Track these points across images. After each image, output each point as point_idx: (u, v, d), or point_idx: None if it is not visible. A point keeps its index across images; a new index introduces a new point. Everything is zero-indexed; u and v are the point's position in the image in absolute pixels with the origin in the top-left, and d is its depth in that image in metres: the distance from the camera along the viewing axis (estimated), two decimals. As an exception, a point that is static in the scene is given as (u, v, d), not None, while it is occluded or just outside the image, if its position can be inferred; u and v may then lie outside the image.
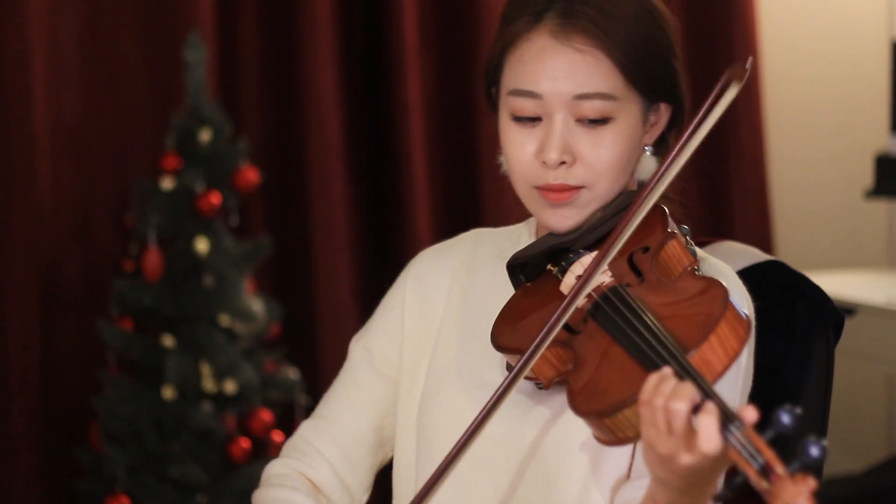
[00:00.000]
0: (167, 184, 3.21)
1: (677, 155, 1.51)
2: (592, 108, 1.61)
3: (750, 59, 1.56)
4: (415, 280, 1.80)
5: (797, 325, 1.83)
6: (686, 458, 1.34)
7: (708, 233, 3.92)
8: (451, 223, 3.71)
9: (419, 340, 1.77)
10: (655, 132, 1.69)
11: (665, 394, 1.34)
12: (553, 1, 1.62)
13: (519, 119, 1.64)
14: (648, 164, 1.70)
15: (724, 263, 1.69)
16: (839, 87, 4.25)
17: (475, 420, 1.50)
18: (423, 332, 1.77)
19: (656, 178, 1.51)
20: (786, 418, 1.24)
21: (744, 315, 1.43)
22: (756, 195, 4.06)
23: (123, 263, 3.24)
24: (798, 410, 1.25)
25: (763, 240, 4.03)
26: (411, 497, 1.68)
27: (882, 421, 4.21)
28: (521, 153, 1.64)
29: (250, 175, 3.27)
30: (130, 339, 3.20)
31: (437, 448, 1.66)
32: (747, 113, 4.04)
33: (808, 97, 4.25)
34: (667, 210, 1.63)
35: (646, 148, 1.69)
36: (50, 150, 3.45)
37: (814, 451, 1.22)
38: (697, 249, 1.66)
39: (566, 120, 1.61)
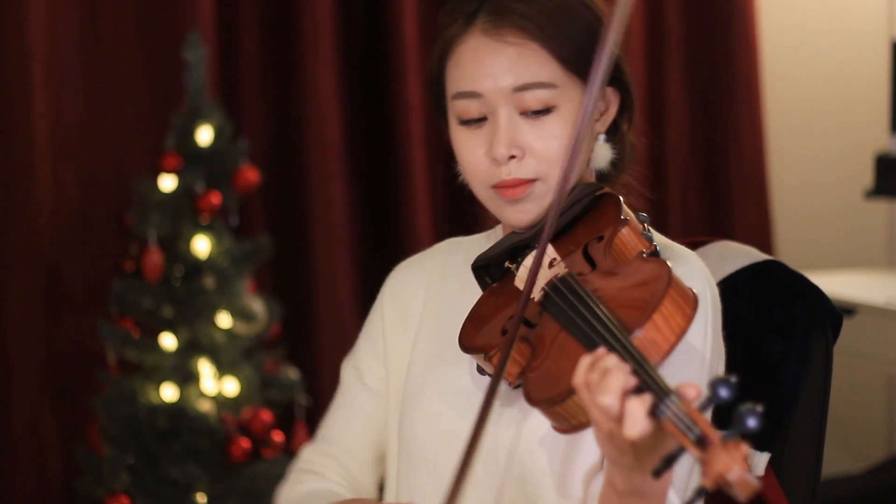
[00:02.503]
0: (167, 184, 3.21)
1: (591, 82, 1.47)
2: (534, 99, 1.61)
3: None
4: (391, 294, 1.82)
5: (796, 325, 1.83)
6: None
7: (708, 233, 3.93)
8: (451, 223, 3.70)
9: (399, 352, 1.79)
10: (607, 119, 1.69)
11: (598, 372, 1.34)
12: (483, 1, 1.64)
13: (466, 122, 1.65)
14: (603, 151, 1.70)
15: (687, 249, 1.69)
16: (839, 87, 4.25)
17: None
18: (403, 344, 1.79)
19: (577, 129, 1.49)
20: (723, 391, 1.24)
21: (690, 292, 1.42)
22: (756, 195, 4.06)
23: (123, 263, 3.24)
24: (733, 379, 1.25)
25: (763, 240, 4.03)
26: None
27: (882, 421, 4.21)
28: (473, 155, 1.66)
29: (250, 175, 3.27)
30: (130, 339, 3.20)
31: (417, 456, 1.67)
32: (747, 113, 4.04)
33: (808, 97, 4.25)
34: (621, 198, 1.62)
35: (599, 136, 1.69)
36: (50, 150, 3.46)
37: (750, 420, 1.22)
38: (659, 236, 1.66)
39: (510, 114, 1.62)
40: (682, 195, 3.98)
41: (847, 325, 1.89)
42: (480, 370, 1.62)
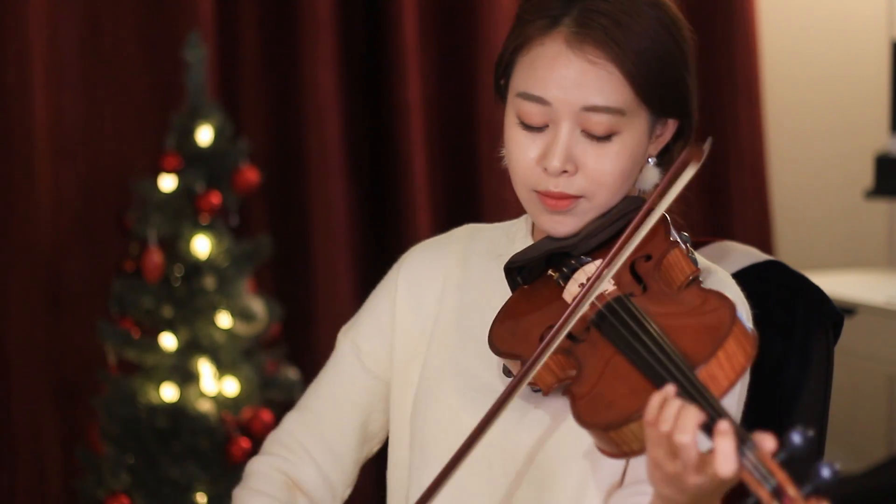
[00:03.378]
0: (167, 184, 3.21)
1: (636, 226, 1.50)
2: (599, 123, 1.59)
3: (709, 140, 1.56)
4: (407, 277, 1.79)
5: (797, 325, 1.83)
6: (694, 479, 1.33)
7: (708, 233, 3.92)
8: (451, 222, 3.70)
9: (412, 339, 1.76)
10: (660, 143, 1.68)
11: (669, 419, 1.32)
12: (570, 7, 1.60)
13: (526, 126, 1.62)
14: (651, 174, 1.68)
15: (724, 272, 1.68)
16: (839, 87, 4.25)
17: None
18: (416, 331, 1.76)
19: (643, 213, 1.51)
20: (797, 439, 1.24)
21: (750, 331, 1.41)
22: (756, 195, 4.06)
23: (124, 263, 3.24)
24: (810, 432, 1.24)
25: (763, 240, 4.03)
26: (405, 498, 1.68)
27: (882, 421, 4.21)
28: (524, 157, 1.63)
29: (250, 175, 3.27)
30: (130, 339, 3.20)
31: (432, 448, 1.66)
32: (747, 113, 4.04)
33: (808, 97, 4.25)
34: (668, 218, 1.62)
35: (649, 159, 1.67)
36: (50, 150, 3.45)
37: (825, 472, 1.21)
38: (698, 257, 1.66)
39: (572, 130, 1.60)
40: (682, 195, 3.97)
41: (847, 325, 1.89)
42: (507, 372, 1.61)
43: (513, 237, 1.76)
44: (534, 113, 1.61)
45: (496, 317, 1.62)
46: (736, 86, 4.02)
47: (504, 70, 1.67)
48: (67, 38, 3.48)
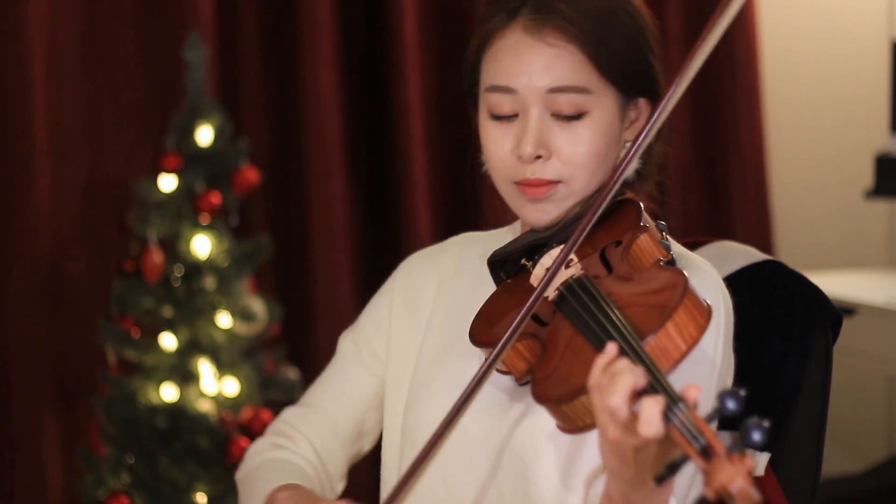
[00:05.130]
0: (167, 184, 3.21)
1: (669, 97, 1.51)
2: (567, 103, 1.61)
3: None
4: (403, 282, 1.83)
5: (796, 325, 1.83)
6: (632, 442, 1.36)
7: (708, 233, 3.93)
8: (451, 223, 3.71)
9: (406, 342, 1.79)
10: (636, 128, 1.69)
11: (609, 375, 1.35)
12: None
13: (497, 117, 1.65)
14: (630, 164, 1.69)
15: (702, 259, 1.69)
16: (839, 87, 4.25)
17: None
18: (409, 334, 1.79)
19: (635, 145, 1.52)
20: (731, 403, 1.25)
21: (704, 303, 1.44)
22: (756, 195, 4.06)
23: (124, 263, 3.24)
24: (742, 393, 1.25)
25: (763, 240, 4.03)
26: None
27: (882, 421, 4.21)
28: (499, 149, 1.66)
29: (250, 175, 3.27)
30: (130, 339, 3.20)
31: (421, 446, 1.67)
32: (747, 113, 4.04)
33: (808, 97, 4.25)
34: (641, 205, 1.63)
35: (626, 144, 1.68)
36: (50, 150, 3.45)
37: (755, 434, 1.22)
38: (675, 245, 1.67)
39: (541, 114, 1.62)
40: (682, 195, 3.98)
41: (847, 325, 1.89)
42: None
43: (503, 240, 1.78)
44: (503, 103, 1.64)
45: (478, 311, 1.65)
46: (736, 86, 4.03)
47: (471, 72, 1.70)
48: (67, 38, 3.48)
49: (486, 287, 1.70)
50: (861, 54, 4.22)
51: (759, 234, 4.03)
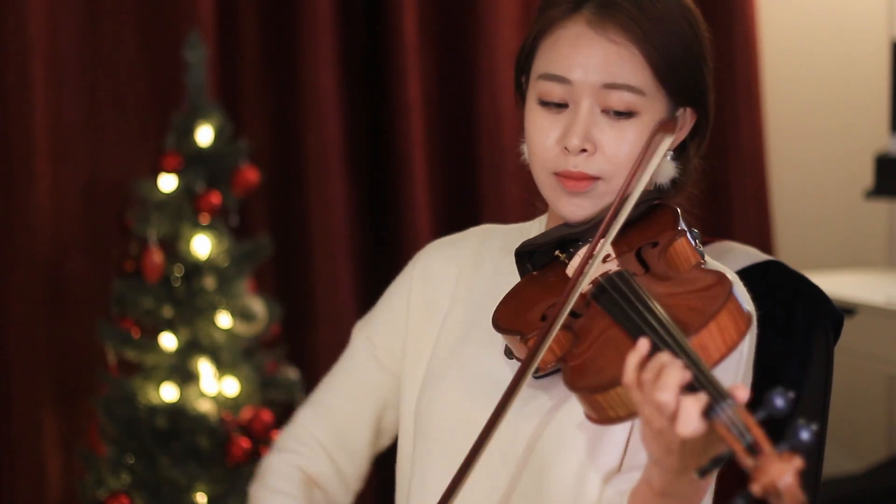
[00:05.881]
0: (167, 184, 3.21)
1: (618, 206, 1.55)
2: (619, 100, 1.61)
3: (679, 118, 1.64)
4: (422, 273, 1.82)
5: (797, 325, 1.83)
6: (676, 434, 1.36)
7: (708, 233, 3.92)
8: (451, 223, 3.71)
9: (423, 333, 1.78)
10: (679, 137, 1.70)
11: (653, 372, 1.36)
12: None
13: (546, 104, 1.65)
14: (667, 168, 1.71)
15: (729, 270, 1.70)
16: (839, 87, 4.25)
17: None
18: (427, 325, 1.78)
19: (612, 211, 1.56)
20: (779, 401, 1.26)
21: (745, 309, 1.44)
22: (756, 195, 4.06)
23: (124, 263, 3.24)
24: (791, 394, 1.26)
25: (763, 240, 4.03)
26: (410, 488, 1.70)
27: (882, 421, 4.21)
28: (545, 138, 1.65)
29: (250, 175, 3.27)
30: (130, 339, 3.20)
31: (434, 438, 1.67)
32: (747, 113, 4.04)
33: (808, 97, 4.25)
34: (679, 210, 1.64)
35: (667, 152, 1.69)
36: (50, 150, 3.45)
37: (804, 434, 1.24)
38: (707, 256, 1.67)
39: (592, 108, 1.62)
40: (688, 191, 3.97)
41: (847, 325, 1.89)
42: (508, 353, 1.63)
43: (527, 234, 1.78)
44: (554, 91, 1.63)
45: (502, 299, 1.65)
46: (736, 86, 4.03)
47: (526, 59, 1.69)
48: (67, 38, 3.48)
49: (507, 279, 1.70)
50: (861, 54, 4.22)
51: (759, 234, 4.03)
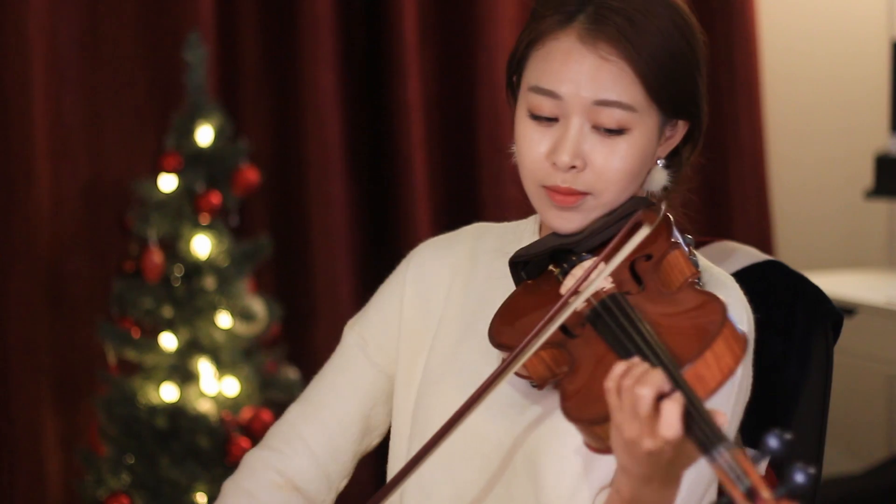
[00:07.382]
0: (167, 184, 3.21)
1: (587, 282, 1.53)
2: (610, 117, 1.60)
3: (664, 205, 1.61)
4: (415, 273, 1.80)
5: (796, 325, 1.83)
6: (648, 443, 1.36)
7: (708, 233, 3.92)
8: (451, 222, 3.69)
9: (417, 334, 1.77)
10: (670, 145, 1.69)
11: (634, 377, 1.36)
12: (585, 4, 1.62)
13: (535, 117, 1.64)
14: (659, 176, 1.70)
15: (727, 274, 1.69)
16: (839, 87, 4.25)
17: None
18: (421, 326, 1.77)
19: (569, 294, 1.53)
20: (773, 442, 1.25)
21: (741, 332, 1.42)
22: (756, 195, 4.06)
23: (124, 263, 3.24)
24: (787, 435, 1.25)
25: (763, 240, 4.02)
26: (405, 490, 1.69)
27: (882, 421, 4.21)
28: (534, 151, 1.64)
29: (250, 175, 3.27)
30: (130, 339, 3.20)
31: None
32: (747, 113, 4.04)
33: (808, 97, 4.25)
34: (672, 219, 1.63)
35: (658, 161, 1.68)
36: (50, 150, 3.45)
37: (799, 477, 1.22)
38: (701, 259, 1.67)
39: (582, 125, 1.61)
40: (681, 195, 3.97)
41: (847, 325, 1.89)
42: None
43: (521, 235, 1.77)
44: (544, 105, 1.62)
45: (498, 310, 1.64)
46: (736, 86, 4.02)
47: (517, 65, 1.68)
48: (67, 38, 3.48)
49: (502, 282, 1.69)
50: (861, 54, 4.22)
51: (759, 234, 4.03)
